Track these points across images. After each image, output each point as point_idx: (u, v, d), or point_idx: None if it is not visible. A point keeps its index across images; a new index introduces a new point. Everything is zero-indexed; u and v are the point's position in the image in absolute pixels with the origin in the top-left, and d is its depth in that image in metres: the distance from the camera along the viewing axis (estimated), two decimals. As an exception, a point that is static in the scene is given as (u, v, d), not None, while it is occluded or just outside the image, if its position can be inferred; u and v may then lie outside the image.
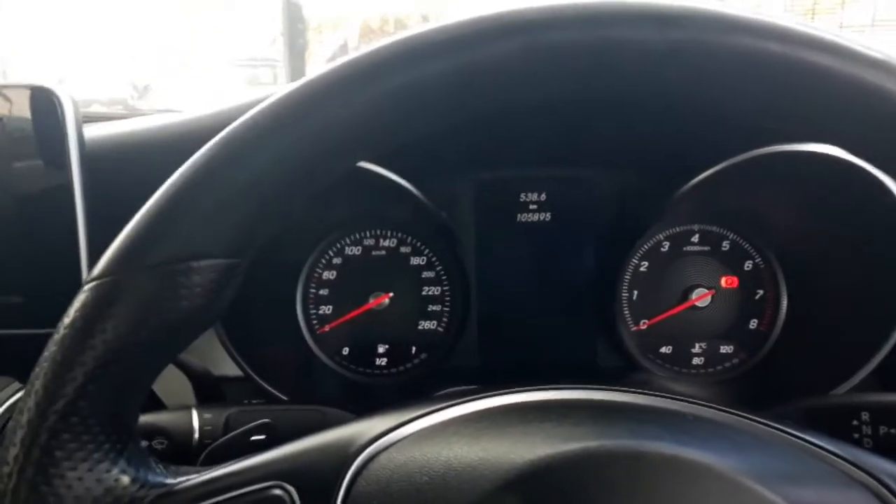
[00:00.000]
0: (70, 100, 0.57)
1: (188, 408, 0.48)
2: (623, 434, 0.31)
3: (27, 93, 0.58)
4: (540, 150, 0.69)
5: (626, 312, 0.71)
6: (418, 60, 0.30)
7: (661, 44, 0.28)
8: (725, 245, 0.70)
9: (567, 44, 0.29)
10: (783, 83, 0.28)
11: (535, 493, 0.29)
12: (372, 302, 0.72)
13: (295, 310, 0.73)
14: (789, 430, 0.34)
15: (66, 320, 0.31)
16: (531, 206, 0.72)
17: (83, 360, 0.31)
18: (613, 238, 0.70)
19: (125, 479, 0.32)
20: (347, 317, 0.73)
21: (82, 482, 0.31)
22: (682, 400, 0.34)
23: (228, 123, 0.33)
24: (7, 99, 0.58)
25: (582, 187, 0.71)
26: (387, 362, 0.73)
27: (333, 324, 0.73)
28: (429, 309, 0.73)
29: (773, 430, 0.34)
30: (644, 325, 0.71)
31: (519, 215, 0.72)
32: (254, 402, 0.50)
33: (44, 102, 0.57)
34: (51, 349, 0.31)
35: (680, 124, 0.60)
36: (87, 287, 0.31)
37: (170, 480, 0.33)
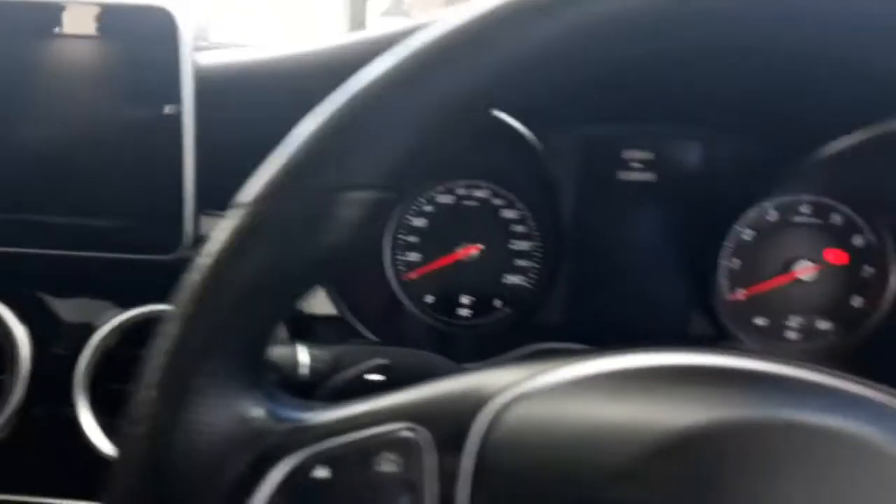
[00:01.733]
0: (188, 22, 0.56)
1: (293, 344, 0.48)
2: (786, 404, 0.30)
3: (142, 11, 0.57)
4: (649, 106, 0.66)
5: (724, 281, 0.68)
6: None
7: None
8: (837, 218, 0.66)
9: None
10: None
11: (691, 461, 0.28)
12: (460, 252, 0.71)
13: (382, 254, 0.72)
14: None
15: (212, 246, 0.30)
16: (635, 165, 0.69)
17: (227, 289, 0.30)
18: (719, 204, 0.68)
19: (260, 412, 0.31)
20: (434, 265, 0.72)
21: (218, 413, 0.31)
22: (842, 376, 0.33)
23: (360, 56, 0.31)
24: (119, 17, 0.58)
25: (692, 148, 0.68)
26: (470, 313, 0.73)
27: (420, 271, 0.72)
28: (517, 263, 0.72)
29: None
30: (741, 294, 0.68)
31: (621, 173, 0.70)
32: (359, 341, 0.50)
33: (160, 23, 0.56)
34: (193, 276, 0.30)
35: (810, 87, 0.57)
36: (235, 212, 0.30)
37: (302, 415, 0.32)
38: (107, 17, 0.57)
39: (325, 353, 0.45)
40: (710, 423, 0.29)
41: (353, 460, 0.31)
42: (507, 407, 0.32)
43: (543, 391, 0.32)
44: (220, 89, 0.60)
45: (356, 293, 0.69)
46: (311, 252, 0.30)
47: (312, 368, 0.45)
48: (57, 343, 0.61)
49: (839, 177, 0.63)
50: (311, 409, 0.33)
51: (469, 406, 0.32)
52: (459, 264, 0.72)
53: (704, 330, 0.69)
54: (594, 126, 0.69)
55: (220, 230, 0.30)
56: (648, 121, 0.69)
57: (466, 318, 0.73)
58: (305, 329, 0.63)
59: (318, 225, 0.30)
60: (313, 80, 0.61)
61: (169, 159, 0.58)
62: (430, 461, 0.31)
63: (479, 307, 0.72)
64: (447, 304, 0.73)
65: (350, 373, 0.43)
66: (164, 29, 0.56)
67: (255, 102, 0.62)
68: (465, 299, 0.72)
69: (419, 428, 0.31)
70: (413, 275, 0.72)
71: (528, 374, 0.33)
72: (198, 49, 0.59)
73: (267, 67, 0.61)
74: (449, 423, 0.31)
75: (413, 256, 0.72)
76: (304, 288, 0.33)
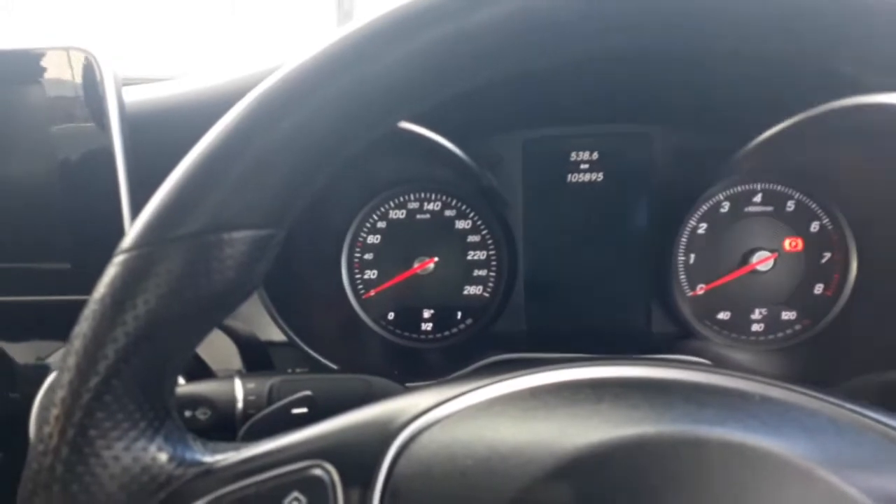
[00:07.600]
0: (109, 61, 0.56)
1: (232, 376, 0.47)
2: (683, 418, 0.29)
3: (65, 55, 0.57)
4: (592, 107, 0.66)
5: (682, 277, 0.67)
6: (466, 8, 0.27)
7: None
8: (790, 205, 0.65)
9: None
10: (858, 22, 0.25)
11: (587, 481, 0.28)
12: (417, 266, 0.71)
13: (340, 274, 0.72)
14: (866, 412, 0.31)
15: (97, 295, 0.30)
16: (582, 166, 0.69)
17: (115, 337, 0.29)
18: (670, 199, 0.67)
19: (162, 457, 0.31)
20: (392, 281, 0.71)
21: (118, 461, 0.30)
22: (748, 378, 0.32)
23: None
24: (44, 61, 0.58)
25: (637, 145, 0.67)
26: (432, 327, 0.72)
27: (379, 288, 0.72)
28: (474, 274, 0.71)
29: (848, 412, 0.31)
30: (701, 289, 0.67)
31: (569, 176, 0.69)
32: (298, 370, 0.49)
33: (82, 64, 0.57)
34: (82, 325, 0.30)
35: (744, 78, 0.56)
36: (116, 260, 0.30)
37: (207, 459, 0.32)
38: (30, 63, 0.57)
39: (259, 386, 0.45)
40: (604, 443, 0.28)
41: (261, 502, 0.31)
42: (413, 437, 0.31)
43: (448, 418, 0.31)
44: (150, 123, 0.60)
45: (316, 317, 0.68)
46: (197, 293, 0.30)
47: (247, 402, 0.45)
48: (12, 386, 0.61)
49: (786, 162, 0.62)
50: (220, 450, 0.33)
51: (377, 439, 0.31)
52: (418, 278, 0.71)
53: (667, 328, 0.68)
54: (539, 130, 0.69)
55: (105, 278, 0.30)
56: (593, 121, 0.68)
57: (429, 332, 0.72)
58: (262, 357, 0.62)
59: (199, 266, 0.29)
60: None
61: (105, 197, 0.58)
62: (339, 499, 0.30)
63: (441, 320, 0.72)
64: (409, 319, 0.72)
65: (271, 408, 0.42)
66: (87, 70, 0.56)
67: (185, 134, 0.61)
68: (426, 313, 0.72)
69: (327, 465, 0.31)
70: (373, 292, 0.72)
71: (436, 401, 0.32)
72: (125, 85, 0.59)
73: (194, 98, 0.60)
74: (357, 458, 0.31)
75: (371, 274, 0.72)
76: (199, 328, 0.32)
